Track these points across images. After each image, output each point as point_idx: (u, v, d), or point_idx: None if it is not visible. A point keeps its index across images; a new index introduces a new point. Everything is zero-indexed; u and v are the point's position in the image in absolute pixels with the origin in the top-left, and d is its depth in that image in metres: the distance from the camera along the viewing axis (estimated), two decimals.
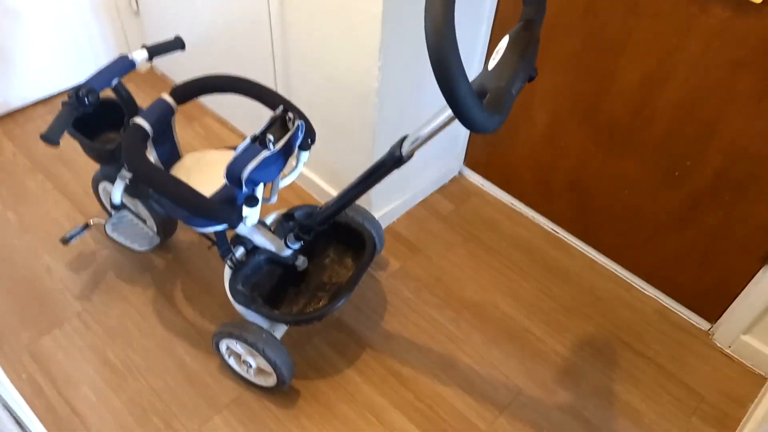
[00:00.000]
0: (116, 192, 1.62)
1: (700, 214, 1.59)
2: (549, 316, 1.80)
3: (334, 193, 2.01)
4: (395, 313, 1.78)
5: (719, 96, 1.40)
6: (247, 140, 1.25)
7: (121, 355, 1.62)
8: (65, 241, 1.67)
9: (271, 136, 1.24)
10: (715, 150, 1.47)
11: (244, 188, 1.28)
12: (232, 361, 1.57)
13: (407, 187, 2.05)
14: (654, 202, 1.68)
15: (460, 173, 2.25)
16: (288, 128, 1.30)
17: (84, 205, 2.00)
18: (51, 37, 2.30)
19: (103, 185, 1.77)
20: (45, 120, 2.32)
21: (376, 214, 1.94)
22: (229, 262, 1.53)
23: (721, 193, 1.52)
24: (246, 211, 1.31)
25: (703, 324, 1.80)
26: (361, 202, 1.92)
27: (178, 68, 2.47)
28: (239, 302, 1.47)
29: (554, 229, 2.05)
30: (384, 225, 2.01)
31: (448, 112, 0.98)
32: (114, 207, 1.67)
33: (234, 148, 1.58)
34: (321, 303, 1.59)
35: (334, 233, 1.68)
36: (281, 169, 1.35)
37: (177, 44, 1.53)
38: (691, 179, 1.56)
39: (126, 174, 1.60)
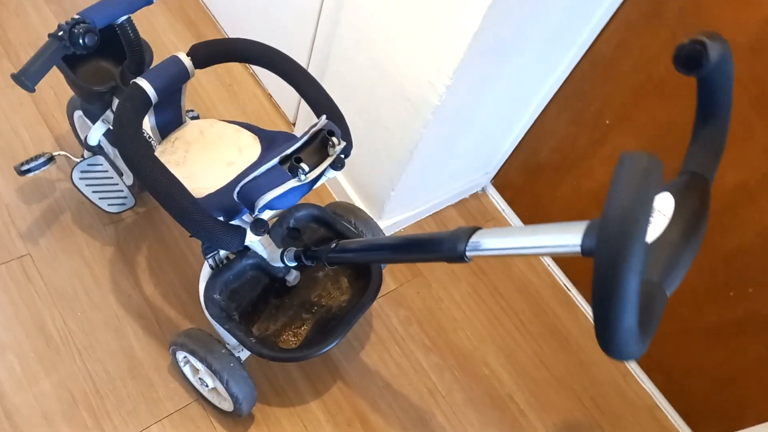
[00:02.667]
0: (94, 134, 1.33)
1: (743, 342, 1.43)
2: (538, 386, 1.65)
3: (348, 192, 1.74)
4: (378, 344, 1.59)
5: None
6: (275, 161, 0.98)
7: (60, 323, 1.38)
8: (21, 172, 1.37)
9: (305, 166, 0.97)
10: None
11: (256, 212, 1.02)
12: (186, 370, 1.36)
13: (425, 198, 1.80)
14: (695, 308, 1.51)
15: (483, 189, 2.01)
16: (327, 153, 1.03)
17: (54, 119, 1.67)
18: None
19: (80, 114, 1.46)
20: None
21: (383, 224, 1.71)
22: (210, 260, 1.28)
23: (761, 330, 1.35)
24: (250, 236, 1.06)
25: None
26: (372, 210, 1.68)
27: None
28: (213, 315, 1.25)
29: (567, 285, 1.86)
30: (389, 233, 1.78)
31: (562, 246, 0.73)
32: (88, 148, 1.38)
33: (244, 126, 1.30)
34: (303, 328, 1.37)
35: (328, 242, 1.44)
36: (305, 193, 1.09)
37: None
38: (746, 306, 1.38)
39: (110, 117, 1.31)
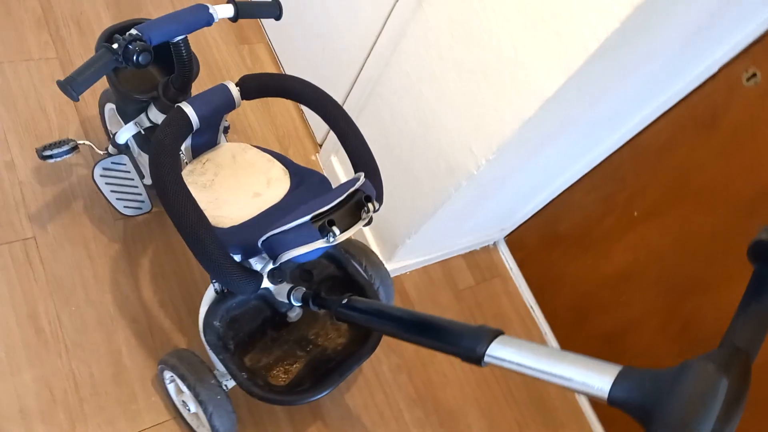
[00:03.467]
0: (124, 134, 1.31)
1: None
2: None
3: (364, 232, 1.72)
4: (365, 388, 1.57)
5: None
6: (307, 218, 0.95)
7: (53, 315, 1.35)
8: (42, 156, 1.34)
9: (337, 230, 0.95)
10: None
11: (277, 263, 1.00)
12: (171, 388, 1.34)
13: (438, 246, 1.79)
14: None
15: (494, 244, 2.00)
16: (360, 216, 1.01)
17: (83, 102, 1.64)
18: None
19: (111, 107, 1.43)
20: None
21: (392, 266, 1.69)
22: (216, 285, 1.26)
23: None
24: (266, 283, 1.03)
25: None
26: (384, 251, 1.66)
27: None
28: (209, 343, 1.22)
29: None
30: (393, 275, 1.76)
31: (590, 385, 0.71)
32: (114, 145, 1.35)
33: (277, 157, 1.28)
34: (295, 366, 1.35)
35: (339, 283, 1.42)
36: (327, 249, 1.06)
37: (272, 10, 1.19)
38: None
39: (144, 122, 1.28)
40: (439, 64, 1.25)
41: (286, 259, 0.95)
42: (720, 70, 1.27)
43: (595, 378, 0.71)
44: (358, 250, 1.50)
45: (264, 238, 0.97)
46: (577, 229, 1.69)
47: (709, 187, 1.33)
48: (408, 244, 1.58)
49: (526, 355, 0.81)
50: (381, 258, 1.55)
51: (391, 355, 1.64)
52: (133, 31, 0.97)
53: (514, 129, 1.12)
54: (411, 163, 1.43)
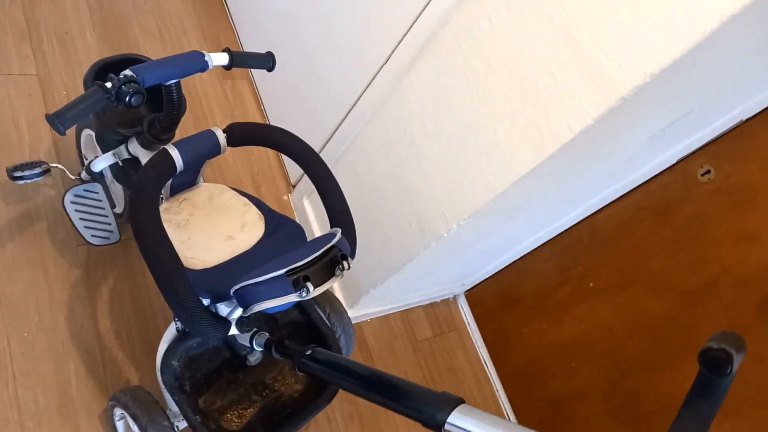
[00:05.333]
0: (100, 163, 1.30)
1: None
2: None
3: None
4: None
5: None
6: (281, 271, 0.97)
7: (3, 340, 1.31)
8: (13, 177, 1.32)
9: (310, 286, 0.97)
10: None
11: (246, 313, 1.01)
12: (120, 425, 1.31)
13: (400, 297, 1.82)
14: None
15: (454, 297, 2.04)
16: (334, 273, 1.03)
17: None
18: None
19: (89, 133, 1.42)
20: None
21: (354, 313, 1.70)
22: (179, 324, 1.25)
23: None
24: (233, 331, 1.04)
25: None
26: (347, 298, 1.68)
27: (246, 8, 2.08)
28: (166, 383, 1.21)
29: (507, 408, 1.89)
30: (355, 322, 1.78)
31: None
32: (89, 172, 1.34)
33: (254, 201, 1.30)
34: (249, 411, 1.34)
35: (301, 329, 1.43)
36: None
37: (266, 62, 1.22)
38: None
39: (122, 154, 1.28)
40: (420, 130, 1.30)
41: (257, 309, 0.97)
42: (678, 162, 1.36)
43: None
44: (322, 296, 1.51)
45: (237, 287, 0.98)
46: (534, 295, 1.75)
47: (659, 274, 1.41)
48: (372, 293, 1.60)
49: (485, 428, 0.84)
50: (344, 305, 1.57)
51: (344, 402, 1.64)
52: (128, 72, 0.98)
53: (486, 201, 1.18)
54: (383, 219, 1.47)
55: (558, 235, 1.65)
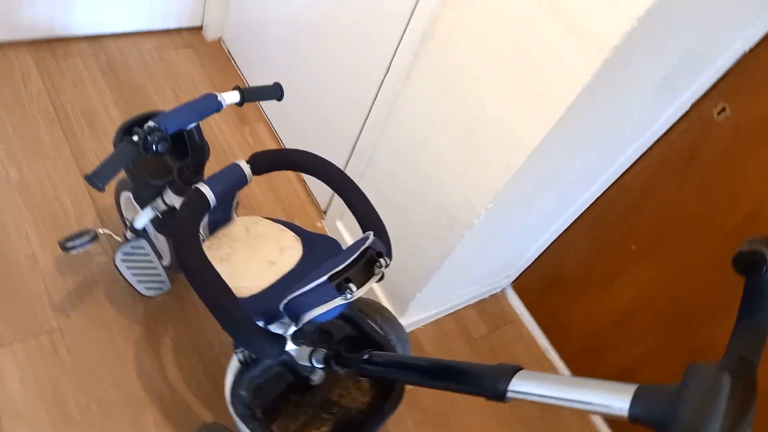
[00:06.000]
0: (141, 219, 1.38)
1: None
2: None
3: (374, 287, 1.78)
4: None
5: None
6: (324, 278, 1.02)
7: (82, 402, 1.38)
8: (65, 248, 1.42)
9: (353, 286, 1.01)
10: None
11: (299, 325, 1.05)
12: None
13: (448, 298, 1.83)
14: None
15: (502, 291, 2.04)
16: (373, 272, 1.07)
17: (98, 194, 1.73)
18: None
19: (127, 195, 1.51)
20: (85, 62, 2.03)
21: (405, 321, 1.73)
22: (240, 355, 1.30)
23: None
24: (290, 346, 1.08)
25: None
26: (396, 307, 1.70)
27: (249, 54, 2.19)
28: (238, 414, 1.25)
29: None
30: (408, 330, 1.80)
31: (610, 405, 0.75)
32: (133, 231, 1.43)
33: (288, 225, 1.35)
34: (323, 429, 1.37)
35: (357, 342, 1.46)
36: (346, 305, 1.12)
37: (274, 93, 1.29)
38: None
39: (160, 206, 1.36)
40: (430, 128, 1.34)
41: (307, 319, 1.01)
42: (692, 107, 1.36)
43: (614, 399, 0.75)
44: (371, 308, 1.55)
45: (285, 301, 1.02)
46: (578, 271, 1.75)
47: (698, 220, 1.40)
48: (419, 298, 1.63)
49: (547, 387, 0.85)
50: (395, 314, 1.60)
51: (413, 409, 1.66)
52: (151, 123, 1.06)
53: (507, 180, 1.20)
54: (413, 220, 1.51)
55: (589, 206, 1.65)
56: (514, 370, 0.90)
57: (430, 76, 1.31)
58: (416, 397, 1.68)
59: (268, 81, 1.90)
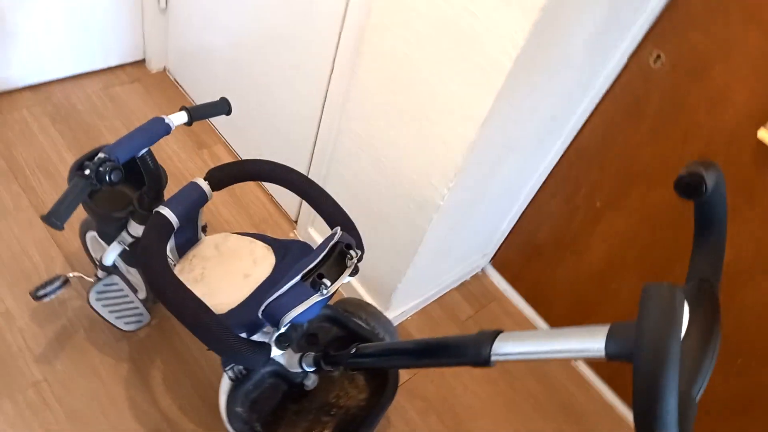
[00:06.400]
0: (110, 255, 1.37)
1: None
2: None
3: (356, 288, 1.79)
4: None
5: None
6: (297, 278, 1.02)
7: None
8: (37, 297, 1.39)
9: (327, 281, 1.02)
10: None
11: (280, 329, 1.05)
12: None
13: (430, 285, 1.85)
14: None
15: (483, 271, 2.06)
16: (345, 265, 1.08)
17: (64, 240, 1.71)
18: (57, 16, 1.97)
19: (92, 234, 1.50)
20: (32, 112, 2.01)
21: (391, 315, 1.74)
22: (230, 372, 1.29)
23: None
24: (275, 351, 1.08)
25: None
26: (380, 302, 1.71)
27: (195, 79, 2.19)
28: (236, 430, 1.25)
29: (577, 364, 1.89)
30: (396, 323, 1.81)
31: (590, 349, 0.77)
32: (102, 268, 1.41)
33: (257, 237, 1.35)
34: None
35: (346, 342, 1.46)
36: (325, 303, 1.12)
37: (222, 107, 1.30)
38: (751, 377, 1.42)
39: (126, 239, 1.35)
40: (384, 117, 1.36)
41: (287, 321, 1.01)
42: (629, 60, 1.40)
43: (590, 342, 0.77)
44: (355, 306, 1.55)
45: (263, 307, 1.03)
46: (552, 236, 1.78)
47: (655, 164, 1.44)
48: (400, 288, 1.64)
49: (527, 343, 0.87)
50: (379, 308, 1.61)
51: (414, 399, 1.67)
52: (101, 155, 1.05)
53: (464, 155, 1.22)
54: (383, 212, 1.52)
55: (552, 170, 1.68)
56: (495, 334, 0.92)
57: (374, 67, 1.32)
58: (415, 387, 1.69)
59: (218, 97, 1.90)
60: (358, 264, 1.16)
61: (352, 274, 1.14)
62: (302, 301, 1.01)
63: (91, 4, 2.01)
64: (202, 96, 2.18)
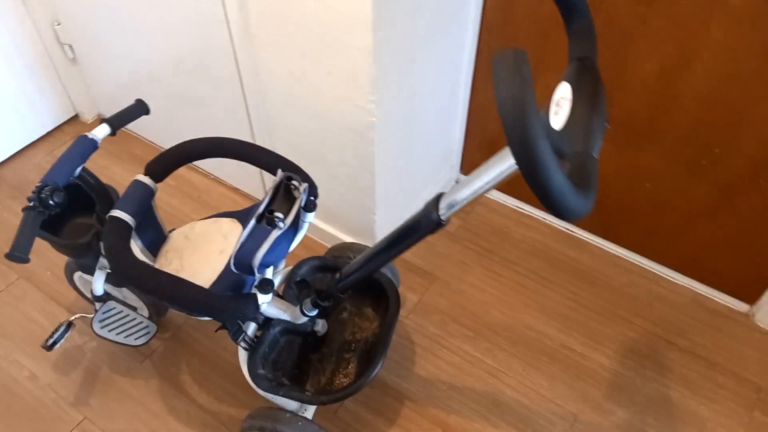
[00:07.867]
0: (97, 284, 1.43)
1: (735, 201, 1.50)
2: (585, 326, 1.70)
3: (336, 235, 1.84)
4: (426, 354, 1.64)
5: (749, 81, 1.29)
6: (252, 222, 1.08)
7: None
8: (48, 347, 1.46)
9: (279, 214, 1.07)
10: (748, 137, 1.37)
11: (257, 274, 1.11)
12: None
13: (407, 209, 1.89)
14: (679, 193, 1.58)
15: (457, 182, 2.11)
16: (294, 197, 1.13)
17: (59, 293, 1.78)
18: None
19: (79, 275, 1.56)
20: None
21: None
22: (243, 343, 1.35)
23: (758, 180, 1.42)
24: (261, 298, 1.14)
25: (741, 306, 1.73)
26: (365, 239, 1.77)
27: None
28: (264, 389, 1.31)
29: (569, 228, 1.93)
30: None
31: (503, 169, 0.83)
32: (97, 299, 1.47)
33: (220, 215, 1.41)
34: (350, 366, 1.43)
35: None
36: (292, 241, 1.18)
37: (140, 109, 1.34)
38: (722, 167, 1.46)
39: (104, 263, 1.41)
40: (290, 61, 1.40)
41: (258, 262, 1.06)
42: None
43: (504, 163, 0.83)
44: (341, 250, 1.61)
45: (232, 261, 1.08)
46: (499, 120, 1.81)
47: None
48: (378, 220, 1.69)
49: (463, 191, 0.93)
50: (366, 244, 1.66)
51: (430, 315, 1.72)
52: (39, 183, 1.11)
53: (370, 63, 1.26)
54: (331, 154, 1.57)
55: (476, 58, 1.71)
56: (436, 198, 0.98)
57: (263, 18, 1.36)
58: (427, 305, 1.75)
59: (160, 124, 1.96)
60: (315, 200, 1.22)
61: (309, 209, 1.19)
62: (264, 240, 1.07)
63: (5, 82, 2.06)
64: (146, 124, 2.21)
